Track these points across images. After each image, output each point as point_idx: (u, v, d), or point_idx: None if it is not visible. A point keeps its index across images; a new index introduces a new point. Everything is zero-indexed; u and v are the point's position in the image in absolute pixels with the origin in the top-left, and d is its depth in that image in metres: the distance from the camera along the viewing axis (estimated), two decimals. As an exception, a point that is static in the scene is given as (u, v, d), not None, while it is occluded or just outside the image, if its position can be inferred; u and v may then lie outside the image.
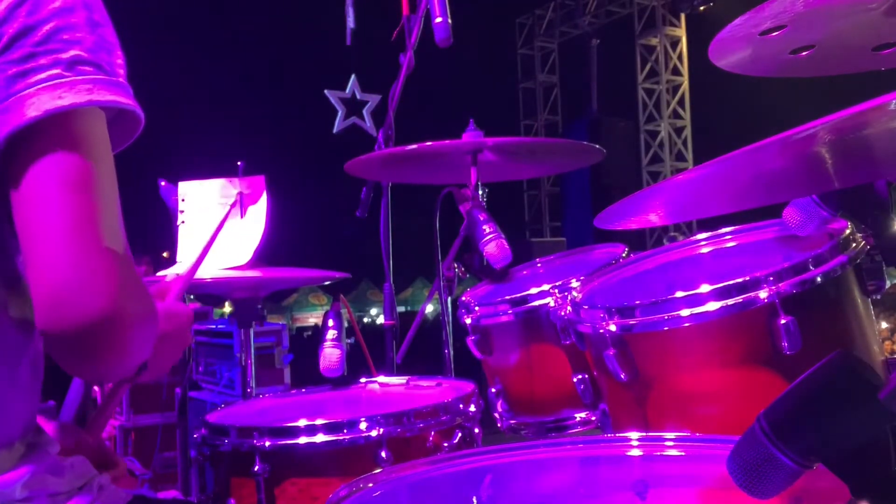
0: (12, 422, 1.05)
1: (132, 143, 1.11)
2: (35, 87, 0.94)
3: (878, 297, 1.43)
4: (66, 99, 0.95)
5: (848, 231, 1.40)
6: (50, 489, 1.07)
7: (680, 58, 15.16)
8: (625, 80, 15.40)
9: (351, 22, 3.61)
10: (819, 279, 1.34)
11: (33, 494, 1.05)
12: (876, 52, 1.10)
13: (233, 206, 1.66)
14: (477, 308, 1.95)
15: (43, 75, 0.95)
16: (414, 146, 2.08)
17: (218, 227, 1.65)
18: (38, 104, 0.94)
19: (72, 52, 0.97)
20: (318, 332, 2.08)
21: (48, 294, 0.93)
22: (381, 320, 2.59)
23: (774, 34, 1.04)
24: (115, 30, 1.06)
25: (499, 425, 2.01)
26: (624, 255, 1.93)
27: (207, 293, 3.30)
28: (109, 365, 0.99)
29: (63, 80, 0.96)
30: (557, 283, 1.80)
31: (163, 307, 1.30)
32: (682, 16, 14.88)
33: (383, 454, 1.49)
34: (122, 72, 1.03)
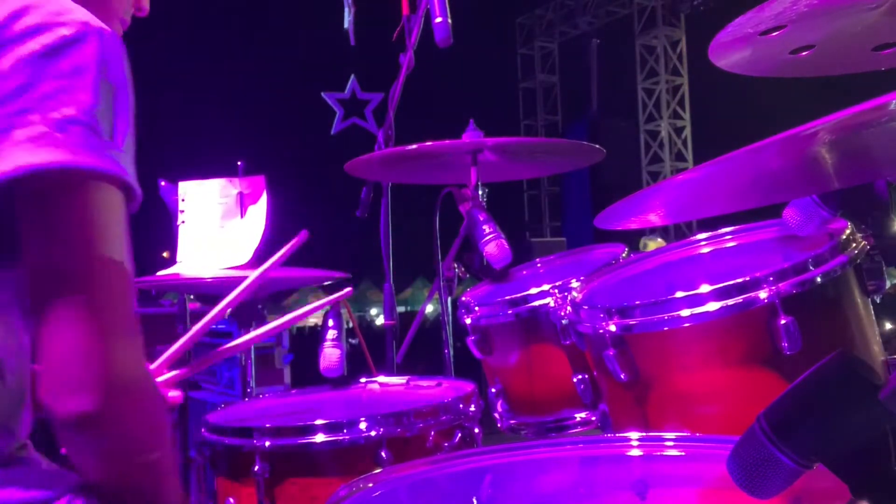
0: None
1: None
2: (15, 142, 0.90)
3: (880, 296, 1.43)
4: (39, 156, 0.90)
5: (848, 231, 1.40)
6: (33, 493, 1.06)
7: (680, 58, 15.16)
8: (625, 80, 15.40)
9: (346, 23, 3.61)
10: (819, 279, 1.34)
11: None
12: (876, 52, 1.10)
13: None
14: (477, 308, 1.95)
15: (27, 130, 0.91)
16: (414, 146, 2.08)
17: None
18: (12, 159, 0.90)
19: (66, 111, 0.92)
20: (318, 332, 2.08)
21: (44, 381, 0.91)
22: (381, 320, 2.59)
23: (774, 34, 1.04)
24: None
25: (499, 425, 2.00)
26: (624, 255, 1.93)
27: (207, 293, 3.30)
28: (104, 460, 0.96)
29: (47, 138, 0.91)
30: (557, 284, 1.80)
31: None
32: (682, 16, 14.89)
33: (383, 454, 1.49)
34: (123, 139, 0.98)
